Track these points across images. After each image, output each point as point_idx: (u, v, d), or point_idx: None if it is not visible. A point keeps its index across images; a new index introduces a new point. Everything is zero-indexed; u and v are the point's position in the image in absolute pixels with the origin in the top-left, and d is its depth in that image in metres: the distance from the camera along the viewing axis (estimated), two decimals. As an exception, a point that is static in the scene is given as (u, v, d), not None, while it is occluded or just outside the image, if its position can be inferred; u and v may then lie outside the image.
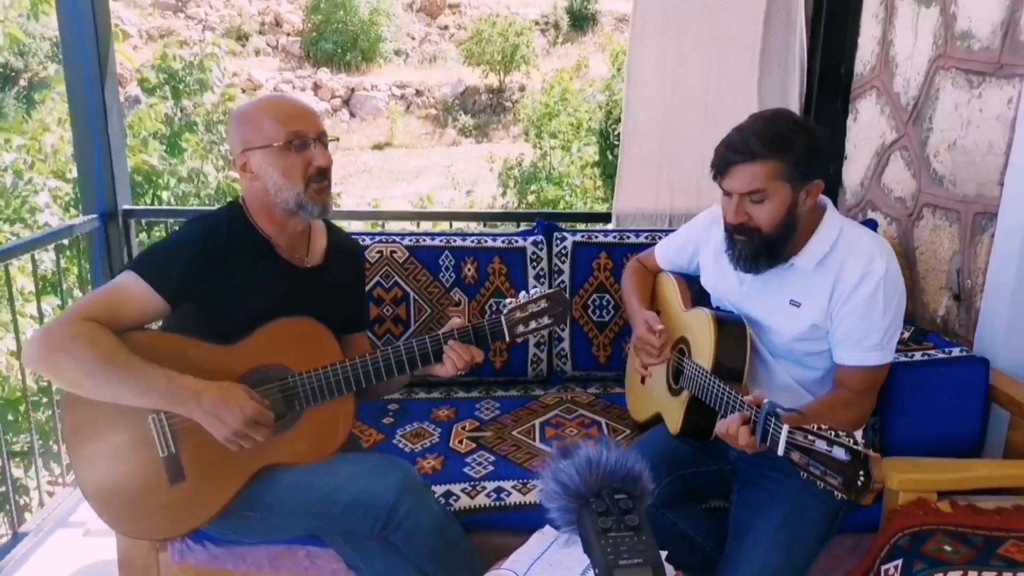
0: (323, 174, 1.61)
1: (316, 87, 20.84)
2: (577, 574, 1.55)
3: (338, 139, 1.78)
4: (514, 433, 2.03)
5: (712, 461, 1.77)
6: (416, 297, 2.25)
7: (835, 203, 2.74)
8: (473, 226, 3.10)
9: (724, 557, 1.62)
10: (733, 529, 1.65)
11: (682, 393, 1.74)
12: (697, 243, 1.88)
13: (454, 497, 1.76)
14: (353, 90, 20.80)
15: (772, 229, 1.55)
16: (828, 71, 2.70)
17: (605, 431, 2.05)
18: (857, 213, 2.62)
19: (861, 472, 1.17)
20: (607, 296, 2.29)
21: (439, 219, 2.91)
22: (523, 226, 2.64)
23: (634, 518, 0.98)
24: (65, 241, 2.46)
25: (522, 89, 19.91)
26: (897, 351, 1.86)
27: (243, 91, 19.98)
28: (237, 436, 1.46)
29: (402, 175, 18.16)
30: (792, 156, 1.52)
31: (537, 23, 21.93)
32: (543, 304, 1.65)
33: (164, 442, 1.51)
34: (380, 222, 3.09)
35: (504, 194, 11.14)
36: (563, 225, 2.39)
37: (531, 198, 10.26)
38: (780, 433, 1.28)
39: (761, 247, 1.57)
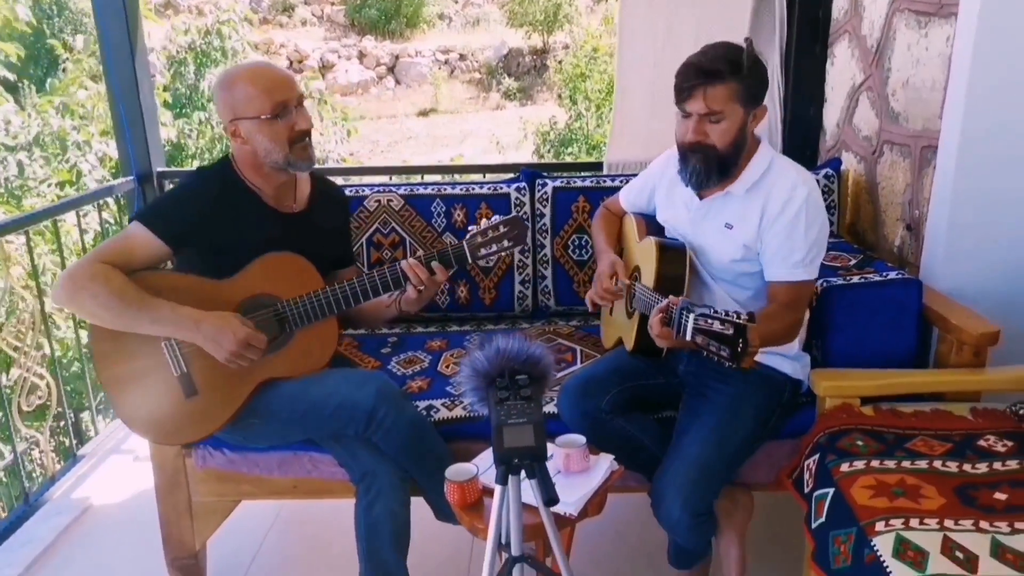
0: (305, 135, 1.85)
1: (361, 55, 21.10)
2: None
3: (311, 96, 2.06)
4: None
5: (662, 375, 1.97)
6: (412, 241, 2.49)
7: (817, 146, 2.88)
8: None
9: (667, 454, 1.84)
10: (676, 431, 1.86)
11: (635, 314, 1.95)
12: (653, 184, 2.07)
13: (435, 410, 2.01)
14: (397, 57, 20.99)
15: (725, 147, 1.74)
16: (807, 17, 2.81)
17: (579, 357, 2.27)
18: (833, 154, 2.75)
19: (740, 340, 1.37)
20: (585, 237, 2.49)
21: (428, 172, 3.12)
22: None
23: (527, 391, 1.20)
24: (108, 200, 2.76)
25: (566, 48, 19.82)
26: (838, 275, 2.05)
27: (290, 62, 20.50)
28: (234, 356, 1.74)
29: (447, 140, 18.37)
30: (746, 79, 1.71)
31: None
32: (503, 229, 1.85)
33: (176, 363, 1.79)
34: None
35: (542, 157, 11.27)
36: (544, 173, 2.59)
37: (568, 160, 10.36)
38: (687, 321, 1.49)
39: (713, 163, 1.76)
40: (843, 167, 2.55)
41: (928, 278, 2.08)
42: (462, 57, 21.09)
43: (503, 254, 1.88)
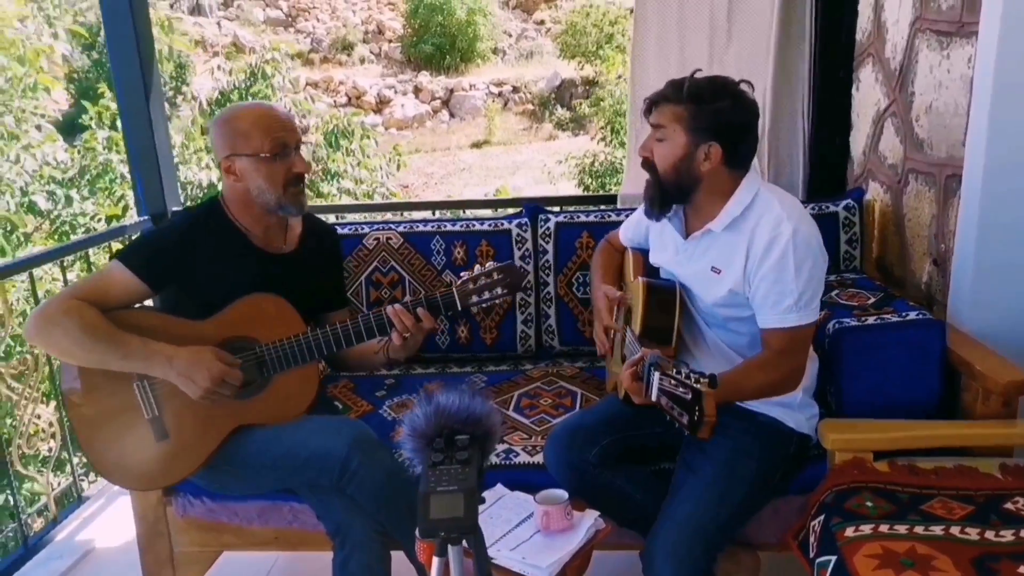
0: (300, 179, 1.82)
1: (417, 90, 21.52)
2: (514, 524, 1.69)
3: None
4: (491, 402, 2.17)
5: (660, 424, 1.83)
6: (411, 280, 2.42)
7: (844, 175, 2.72)
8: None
9: (660, 513, 1.70)
10: (671, 487, 1.73)
11: (625, 360, 1.83)
12: (648, 222, 1.96)
13: (419, 459, 1.91)
14: (452, 91, 21.34)
15: (664, 172, 1.66)
16: (829, 41, 2.67)
17: (579, 401, 2.15)
18: (860, 183, 2.58)
19: (696, 408, 1.25)
20: (590, 274, 2.38)
21: (431, 208, 3.06)
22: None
23: (464, 454, 1.10)
24: (117, 241, 2.78)
25: (619, 78, 19.82)
26: (853, 315, 1.89)
27: (348, 98, 21.02)
28: (208, 393, 1.69)
29: (499, 172, 18.49)
30: (697, 109, 1.61)
31: (633, 11, 21.74)
32: (496, 276, 1.76)
33: (148, 406, 1.75)
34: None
35: (587, 189, 11.19)
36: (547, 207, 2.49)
37: (616, 188, 10.26)
38: (653, 380, 1.37)
39: (656, 188, 1.69)
40: (867, 197, 2.39)
41: (955, 318, 1.91)
42: (515, 89, 21.29)
43: (496, 302, 1.80)
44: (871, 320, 1.86)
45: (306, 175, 1.85)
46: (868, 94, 2.53)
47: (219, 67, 8.97)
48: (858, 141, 2.64)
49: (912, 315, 1.86)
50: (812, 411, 1.77)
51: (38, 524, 2.61)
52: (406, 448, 1.18)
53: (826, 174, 2.72)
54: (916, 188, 2.18)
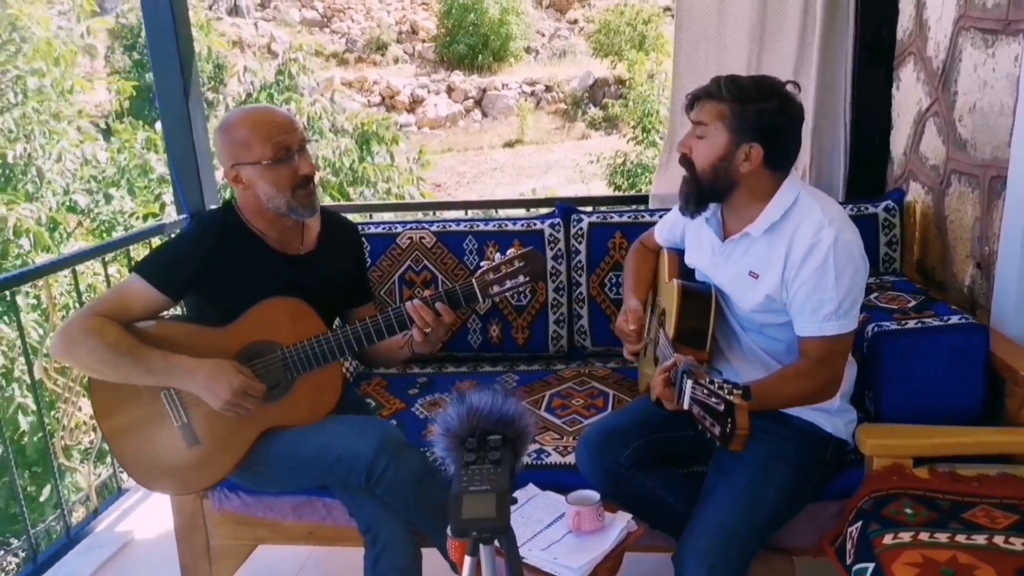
0: (308, 180, 1.80)
1: (450, 90, 21.59)
2: (546, 524, 1.69)
3: (315, 140, 2.05)
4: (523, 403, 2.17)
5: (691, 427, 1.82)
6: (443, 279, 2.43)
7: (884, 176, 2.67)
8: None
9: (692, 517, 1.69)
10: (703, 491, 1.71)
11: (658, 364, 1.81)
12: (685, 220, 1.94)
13: (451, 457, 1.92)
14: (485, 90, 21.37)
15: (702, 170, 1.63)
16: (869, 39, 2.62)
17: (611, 402, 2.14)
18: (901, 184, 2.53)
19: (729, 420, 1.23)
20: (622, 274, 2.36)
21: (461, 208, 3.07)
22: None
23: (496, 454, 1.10)
24: (155, 239, 2.83)
25: (651, 77, 19.68)
26: (893, 319, 1.85)
27: (382, 98, 21.16)
28: (229, 405, 1.70)
29: (531, 171, 18.47)
30: (741, 108, 1.58)
31: (667, 9, 21.56)
32: (517, 264, 1.73)
33: (177, 413, 1.77)
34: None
35: (618, 188, 11.15)
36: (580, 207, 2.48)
37: (647, 187, 10.21)
38: (686, 388, 1.36)
39: (692, 185, 1.66)
40: (908, 199, 2.35)
41: (999, 323, 1.86)
42: (548, 88, 21.25)
43: (520, 290, 1.78)
44: (912, 324, 1.83)
45: (315, 175, 1.84)
46: (909, 93, 2.48)
47: (246, 68, 9.05)
48: (898, 141, 2.59)
49: (954, 319, 1.82)
50: (850, 416, 1.74)
51: (80, 515, 2.67)
52: (438, 447, 1.18)
53: (865, 174, 2.67)
54: (959, 189, 2.14)
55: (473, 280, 1.73)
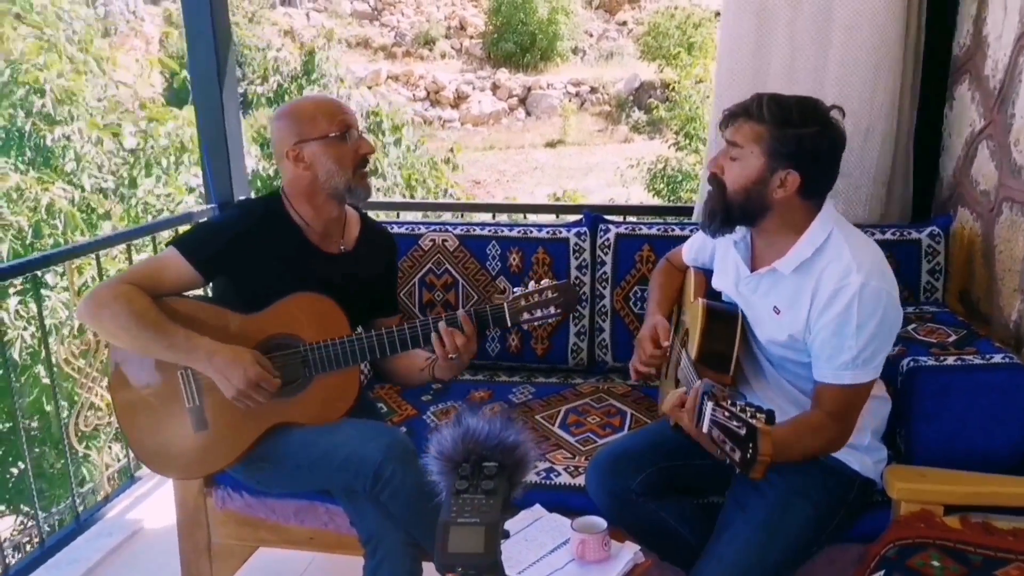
0: (367, 160, 1.84)
1: (495, 87, 21.58)
2: (549, 549, 1.62)
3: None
4: (537, 417, 2.11)
5: (709, 456, 1.74)
6: (464, 284, 2.38)
7: (931, 199, 2.54)
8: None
9: (704, 551, 1.61)
10: (718, 524, 1.63)
11: (679, 385, 1.73)
12: (715, 241, 1.85)
13: (458, 470, 1.86)
14: (530, 89, 21.31)
15: (734, 192, 1.54)
16: (927, 56, 2.48)
17: (628, 422, 2.07)
18: (949, 208, 2.41)
19: (751, 445, 1.16)
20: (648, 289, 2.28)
21: (489, 210, 3.00)
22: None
23: (490, 483, 1.03)
24: (183, 227, 2.81)
25: (699, 82, 19.41)
26: (930, 354, 1.75)
27: (427, 92, 21.24)
28: (240, 395, 1.67)
29: (572, 172, 18.36)
30: (780, 131, 1.49)
31: (719, 14, 21.26)
32: (550, 295, 1.72)
33: (190, 395, 1.75)
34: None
35: (659, 194, 11.00)
36: (608, 216, 2.41)
37: (688, 195, 10.06)
38: (706, 410, 1.28)
39: (719, 205, 1.57)
40: (954, 225, 2.23)
41: (1048, 363, 1.74)
42: (593, 90, 21.11)
43: (549, 321, 1.75)
44: (951, 360, 1.72)
45: (371, 156, 1.86)
46: (962, 113, 2.35)
47: (276, 59, 9.06)
48: (947, 164, 2.47)
49: (997, 358, 1.71)
50: (880, 455, 1.65)
51: (99, 497, 2.67)
52: (432, 469, 1.12)
53: (913, 198, 2.54)
54: (1010, 218, 2.01)
55: (505, 304, 1.70)
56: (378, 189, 8.11)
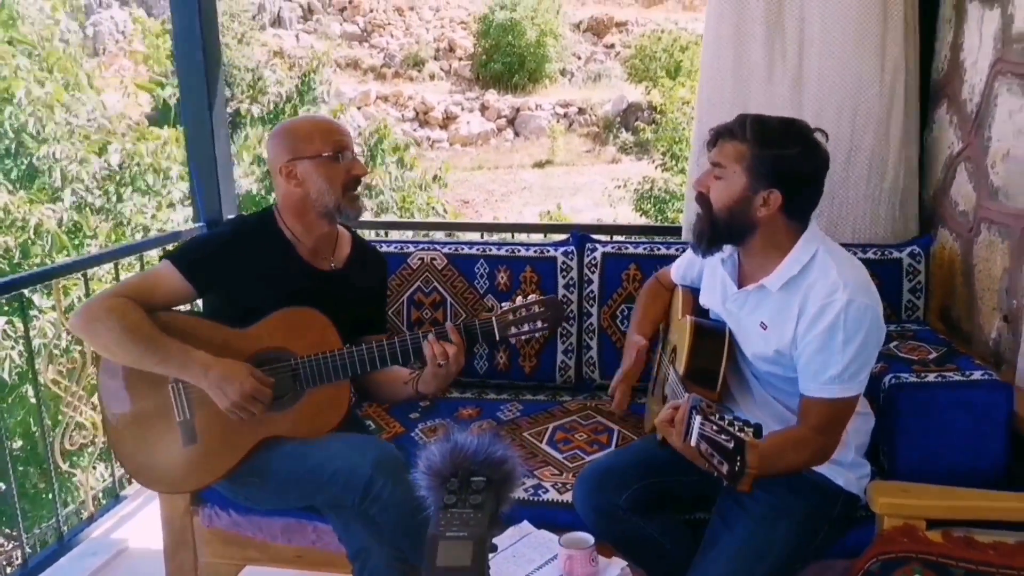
0: (358, 182, 1.86)
1: (483, 108, 21.70)
2: (537, 565, 1.63)
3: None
4: (525, 435, 2.12)
5: (697, 471, 1.75)
6: (453, 302, 2.39)
7: (915, 219, 2.57)
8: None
9: (690, 566, 1.62)
10: (704, 540, 1.64)
11: (666, 401, 1.75)
12: (703, 260, 1.88)
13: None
14: (518, 110, 21.44)
15: (719, 210, 1.58)
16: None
17: (615, 439, 2.08)
18: (929, 228, 2.45)
19: (739, 458, 1.18)
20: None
21: (477, 229, 3.03)
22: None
23: (478, 498, 1.05)
24: (170, 246, 2.82)
25: (685, 104, 19.62)
26: (912, 371, 1.78)
27: (416, 113, 21.34)
28: (235, 407, 1.68)
29: (560, 192, 18.46)
30: (762, 151, 1.53)
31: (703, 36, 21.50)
32: (537, 309, 1.74)
33: (181, 408, 1.75)
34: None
35: (646, 214, 11.09)
36: (595, 236, 2.43)
37: (675, 215, 10.14)
38: (694, 423, 1.30)
39: (706, 225, 1.61)
40: (935, 245, 2.27)
41: (1025, 380, 1.78)
42: (581, 111, 21.26)
43: (536, 336, 1.77)
44: (931, 377, 1.75)
45: (363, 178, 1.88)
46: (941, 136, 2.41)
47: (264, 79, 9.12)
48: (927, 185, 2.52)
49: (977, 375, 1.74)
50: (863, 470, 1.67)
51: (84, 516, 2.64)
52: (421, 484, 1.13)
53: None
54: (988, 238, 2.06)
55: (494, 319, 1.73)
56: (383, 209, 8.12)
